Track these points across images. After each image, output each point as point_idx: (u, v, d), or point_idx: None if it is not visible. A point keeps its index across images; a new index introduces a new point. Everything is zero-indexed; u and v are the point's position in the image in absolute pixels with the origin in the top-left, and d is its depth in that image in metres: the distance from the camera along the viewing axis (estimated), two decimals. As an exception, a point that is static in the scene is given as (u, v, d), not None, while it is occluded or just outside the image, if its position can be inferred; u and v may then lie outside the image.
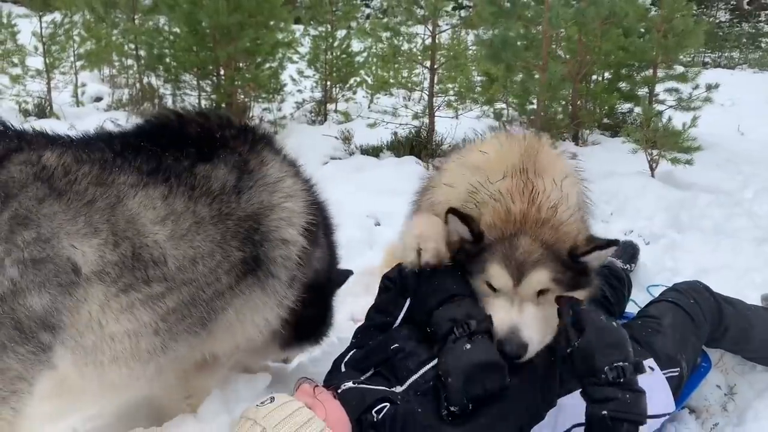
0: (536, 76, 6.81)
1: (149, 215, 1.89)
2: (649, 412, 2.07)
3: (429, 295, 2.13)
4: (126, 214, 1.85)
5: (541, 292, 2.07)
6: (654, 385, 2.18)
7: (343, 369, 2.16)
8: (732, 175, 6.25)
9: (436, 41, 7.67)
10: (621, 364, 1.80)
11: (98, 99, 10.38)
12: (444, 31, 8.60)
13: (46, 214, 1.71)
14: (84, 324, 1.77)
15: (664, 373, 2.24)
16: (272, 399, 1.83)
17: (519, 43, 6.80)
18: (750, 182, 5.98)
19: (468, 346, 1.91)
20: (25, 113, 8.64)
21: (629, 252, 3.52)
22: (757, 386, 2.67)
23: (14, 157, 1.74)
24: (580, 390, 1.89)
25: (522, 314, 2.04)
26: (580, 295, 2.10)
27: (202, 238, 1.98)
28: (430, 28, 7.39)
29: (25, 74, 8.86)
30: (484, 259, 2.11)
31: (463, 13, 14.51)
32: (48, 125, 2.59)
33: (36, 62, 9.00)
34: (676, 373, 2.29)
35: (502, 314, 2.06)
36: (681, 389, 2.36)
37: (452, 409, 1.85)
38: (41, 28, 8.62)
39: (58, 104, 8.98)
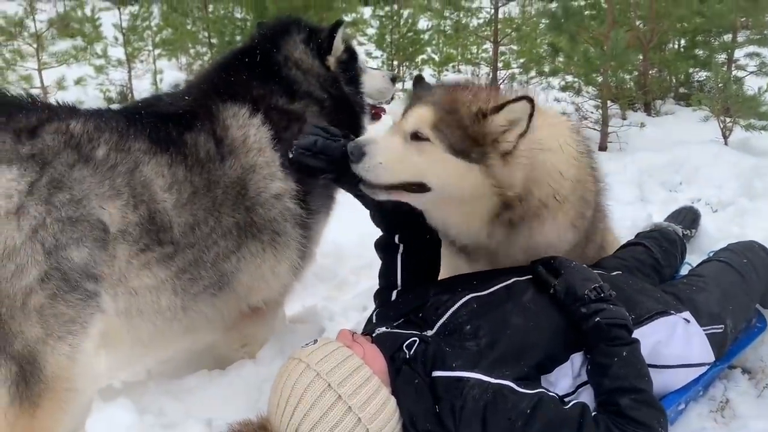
0: (604, 47, 6.63)
1: (159, 182, 2.07)
2: (686, 362, 2.13)
3: None
4: (141, 179, 2.03)
5: (418, 137, 2.08)
6: (691, 335, 2.20)
7: (374, 320, 2.32)
8: (816, 142, 5.89)
9: (501, 15, 7.59)
10: (596, 285, 2.06)
11: (176, 86, 10.87)
12: (508, 2, 8.48)
13: (77, 178, 1.90)
14: (115, 277, 1.97)
15: (705, 330, 2.23)
16: (315, 341, 1.99)
17: (585, 12, 6.62)
18: (834, 148, 5.62)
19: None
20: (109, 101, 9.18)
21: (689, 217, 3.44)
22: (818, 348, 2.59)
23: (47, 126, 1.93)
24: (573, 317, 2.04)
25: (385, 138, 2.13)
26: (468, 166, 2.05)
27: (197, 206, 2.13)
28: (493, 1, 7.33)
29: (108, 64, 9.41)
30: None
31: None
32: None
33: (117, 52, 9.54)
34: (720, 330, 2.26)
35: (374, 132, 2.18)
36: (726, 346, 2.33)
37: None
38: (120, 20, 9.12)
39: (139, 91, 9.49)
